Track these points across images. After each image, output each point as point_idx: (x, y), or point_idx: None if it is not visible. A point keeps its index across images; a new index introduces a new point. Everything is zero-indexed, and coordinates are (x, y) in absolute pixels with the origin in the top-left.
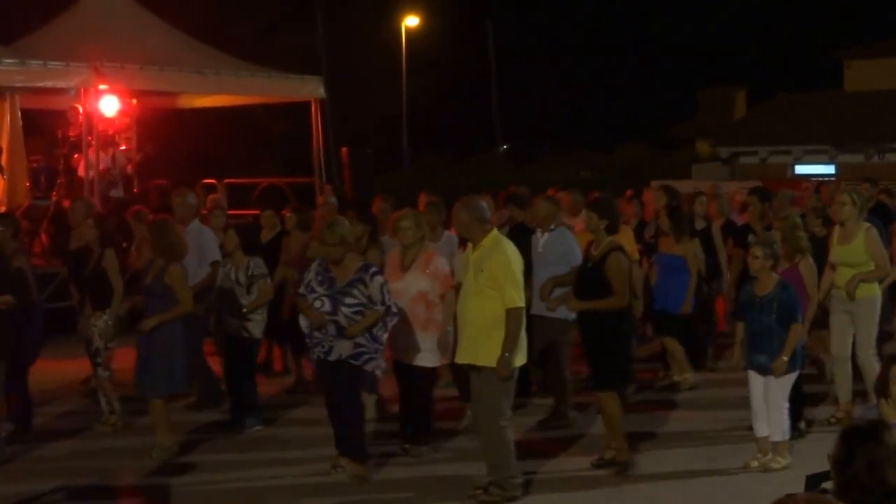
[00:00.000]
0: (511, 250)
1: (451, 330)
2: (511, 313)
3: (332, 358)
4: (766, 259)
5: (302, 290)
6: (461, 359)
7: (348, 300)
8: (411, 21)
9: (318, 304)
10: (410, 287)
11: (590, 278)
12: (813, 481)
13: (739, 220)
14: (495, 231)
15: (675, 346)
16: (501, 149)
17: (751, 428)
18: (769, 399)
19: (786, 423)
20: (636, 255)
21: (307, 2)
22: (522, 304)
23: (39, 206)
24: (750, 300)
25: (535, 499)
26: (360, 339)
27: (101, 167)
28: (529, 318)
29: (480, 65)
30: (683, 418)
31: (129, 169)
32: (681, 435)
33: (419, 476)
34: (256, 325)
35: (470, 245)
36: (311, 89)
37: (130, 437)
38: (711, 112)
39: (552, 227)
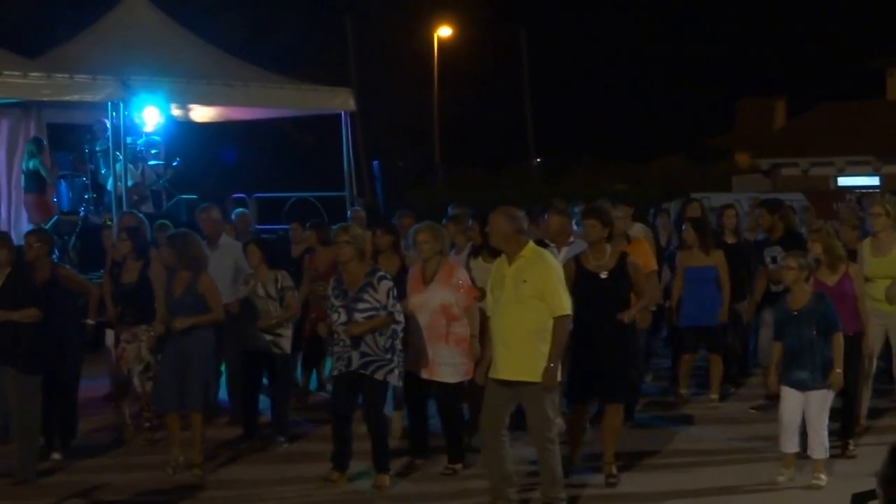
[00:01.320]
0: (552, 259)
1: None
2: (558, 322)
3: (352, 368)
4: (801, 271)
5: (329, 307)
6: (503, 374)
7: (361, 305)
8: (444, 31)
9: (335, 315)
10: (433, 300)
11: (607, 289)
12: (858, 500)
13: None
14: (532, 242)
15: (689, 364)
16: (535, 162)
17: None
18: (811, 415)
19: (826, 439)
20: (655, 266)
21: (337, 13)
22: (570, 311)
23: (67, 221)
24: (786, 316)
25: None
26: (366, 348)
27: (132, 182)
28: None
29: (514, 75)
30: (700, 435)
31: (161, 183)
32: (698, 452)
33: (448, 491)
34: (286, 340)
35: (503, 257)
36: (341, 101)
37: (162, 453)
38: (750, 123)
39: (571, 240)
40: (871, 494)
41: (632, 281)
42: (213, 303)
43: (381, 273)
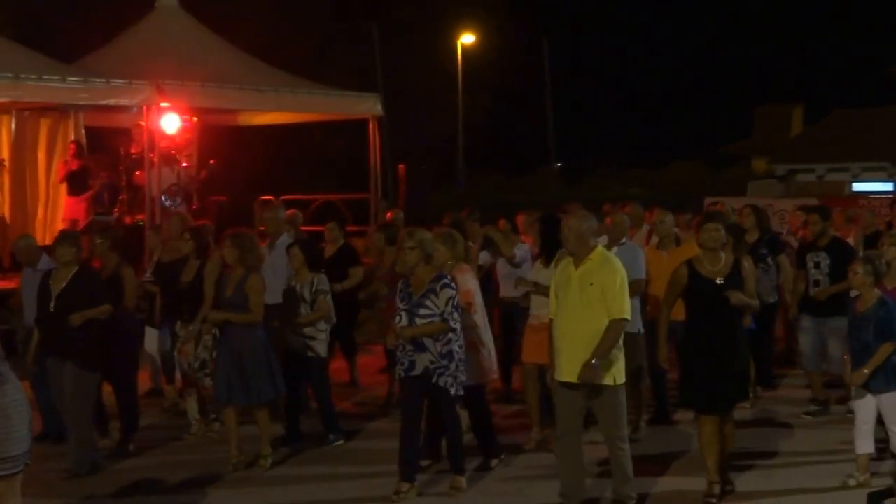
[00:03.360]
0: (619, 264)
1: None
2: (614, 324)
3: (414, 373)
4: (867, 276)
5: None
6: (568, 376)
7: (422, 311)
8: (467, 39)
9: (397, 319)
10: None
11: (724, 296)
12: (874, 499)
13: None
14: (601, 247)
15: None
16: (555, 166)
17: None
18: (886, 418)
19: None
20: None
21: (363, 19)
22: (629, 317)
23: (100, 223)
24: (852, 318)
25: None
26: (433, 355)
27: (166, 184)
28: None
29: (536, 82)
30: (754, 436)
31: (193, 185)
32: (753, 454)
33: (495, 492)
34: (321, 344)
35: (569, 259)
36: (368, 106)
37: (217, 449)
38: (768, 129)
39: (623, 241)
40: (887, 493)
41: (745, 286)
42: (254, 304)
43: (445, 280)
